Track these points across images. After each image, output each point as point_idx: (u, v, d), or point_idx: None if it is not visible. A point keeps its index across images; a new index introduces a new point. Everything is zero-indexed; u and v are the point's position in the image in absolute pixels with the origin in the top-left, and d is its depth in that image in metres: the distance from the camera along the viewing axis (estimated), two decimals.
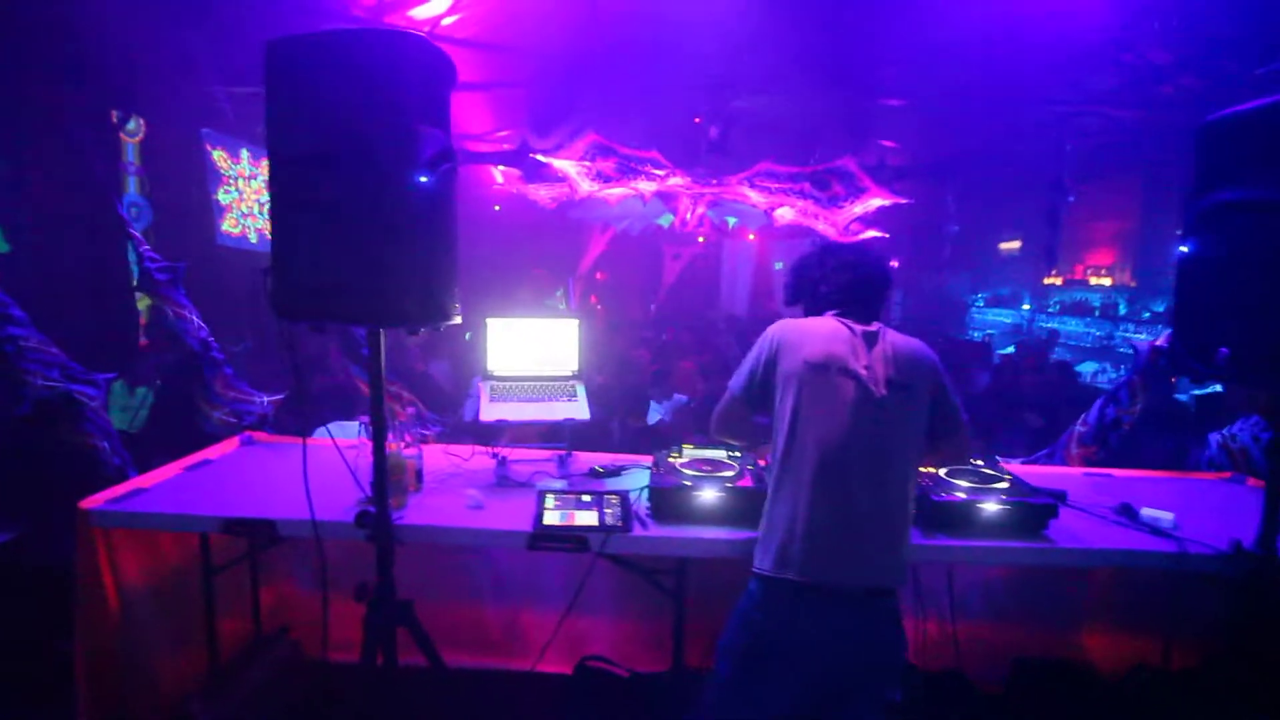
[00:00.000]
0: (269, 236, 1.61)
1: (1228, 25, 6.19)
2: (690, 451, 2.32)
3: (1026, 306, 11.90)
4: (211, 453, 2.51)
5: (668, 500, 2.00)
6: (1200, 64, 7.14)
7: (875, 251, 1.89)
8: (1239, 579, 1.81)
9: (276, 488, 2.19)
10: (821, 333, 1.74)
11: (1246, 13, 5.81)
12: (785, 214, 7.30)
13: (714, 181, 6.76)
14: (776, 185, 6.55)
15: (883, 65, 7.27)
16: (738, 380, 1.84)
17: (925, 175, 7.54)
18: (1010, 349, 8.83)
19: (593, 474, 2.40)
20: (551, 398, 2.39)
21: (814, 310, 1.87)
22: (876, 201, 6.66)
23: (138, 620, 2.11)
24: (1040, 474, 2.48)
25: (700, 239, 11.70)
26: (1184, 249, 1.86)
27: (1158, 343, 2.84)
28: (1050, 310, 11.06)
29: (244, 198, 6.76)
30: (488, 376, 2.45)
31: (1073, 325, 10.31)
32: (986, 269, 12.95)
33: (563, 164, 6.09)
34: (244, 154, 6.76)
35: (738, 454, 2.32)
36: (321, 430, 2.73)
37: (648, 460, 2.57)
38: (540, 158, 6.05)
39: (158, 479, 2.24)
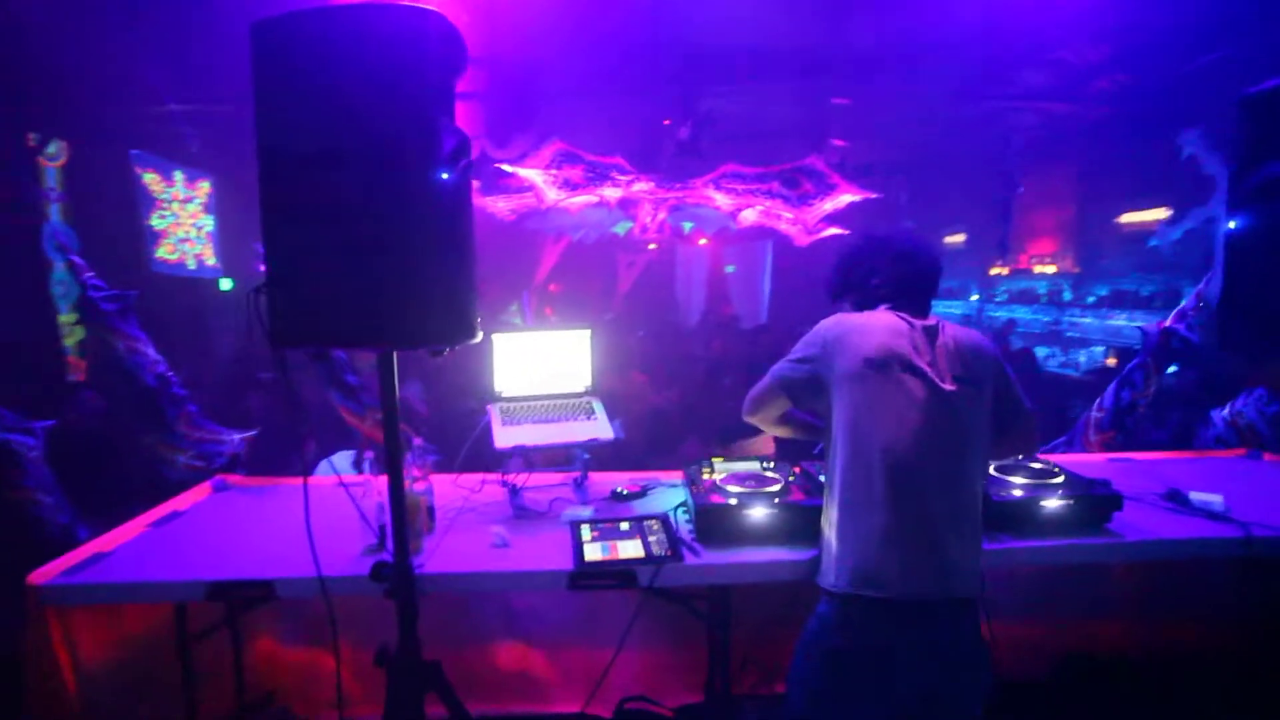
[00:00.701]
0: (209, 263, 1.37)
1: (1157, 22, 6.44)
2: (723, 466, 2.15)
3: (975, 297, 12.23)
4: (180, 502, 2.20)
5: (716, 521, 1.82)
6: (1130, 60, 7.44)
7: (926, 241, 1.76)
8: None
9: (264, 538, 1.92)
10: (879, 327, 1.60)
11: (1172, 11, 6.04)
12: (749, 215, 7.24)
13: (678, 185, 6.63)
14: (744, 186, 6.47)
15: (833, 65, 7.33)
16: (783, 368, 1.69)
17: (882, 172, 7.61)
18: None
19: (615, 497, 2.20)
20: (569, 417, 2.18)
21: (864, 304, 1.73)
22: (847, 198, 6.65)
23: (101, 706, 1.80)
24: (1067, 462, 2.41)
25: (651, 245, 11.59)
26: (1232, 224, 1.80)
27: (1166, 324, 2.83)
28: (998, 299, 11.38)
29: (180, 222, 6.29)
30: (496, 398, 2.22)
31: (1021, 313, 10.63)
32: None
33: (529, 173, 5.87)
34: (178, 176, 6.29)
35: (771, 464, 2.16)
36: (324, 466, 2.46)
37: (669, 477, 2.40)
38: (507, 168, 5.81)
39: (119, 540, 1.94)
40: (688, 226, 10.90)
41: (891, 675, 1.47)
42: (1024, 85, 8.20)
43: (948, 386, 1.53)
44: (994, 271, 11.67)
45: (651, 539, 1.79)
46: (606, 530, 1.82)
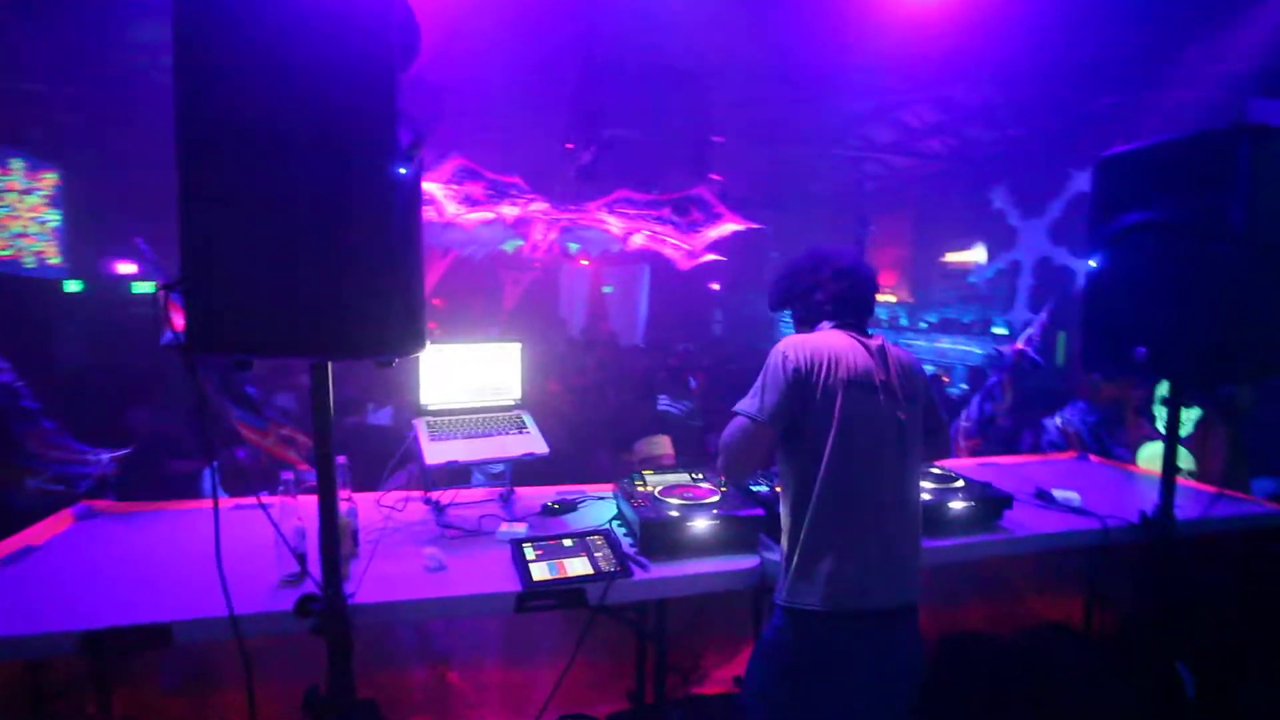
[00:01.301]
0: (52, 262, 1.11)
1: (974, 100, 7.26)
2: (654, 478, 2.06)
3: None
4: (34, 535, 1.78)
5: (660, 535, 1.72)
6: (955, 128, 8.34)
7: (864, 261, 1.76)
8: (1146, 544, 1.94)
9: (146, 574, 1.59)
10: (844, 347, 1.55)
11: (990, 91, 6.81)
12: (637, 239, 7.27)
13: (572, 207, 6.53)
14: (635, 211, 6.49)
15: (711, 105, 7.60)
16: (759, 405, 1.51)
17: (759, 205, 7.96)
18: None
19: (547, 511, 2.05)
20: (500, 431, 2.00)
21: (807, 318, 1.70)
22: (731, 226, 6.86)
23: None
24: (947, 468, 2.56)
25: (535, 264, 11.39)
26: (1092, 264, 1.99)
27: (1019, 346, 3.12)
28: None
29: (17, 214, 5.30)
30: (422, 412, 1.99)
31: None
32: None
33: (429, 187, 5.51)
34: (16, 165, 5.31)
35: (701, 475, 2.11)
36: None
37: (596, 490, 2.28)
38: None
39: None
40: (574, 247, 10.81)
41: (851, 683, 1.44)
42: (871, 140, 8.95)
43: (903, 402, 1.54)
44: None
45: (598, 555, 1.66)
46: (550, 548, 1.67)
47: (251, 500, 1.91)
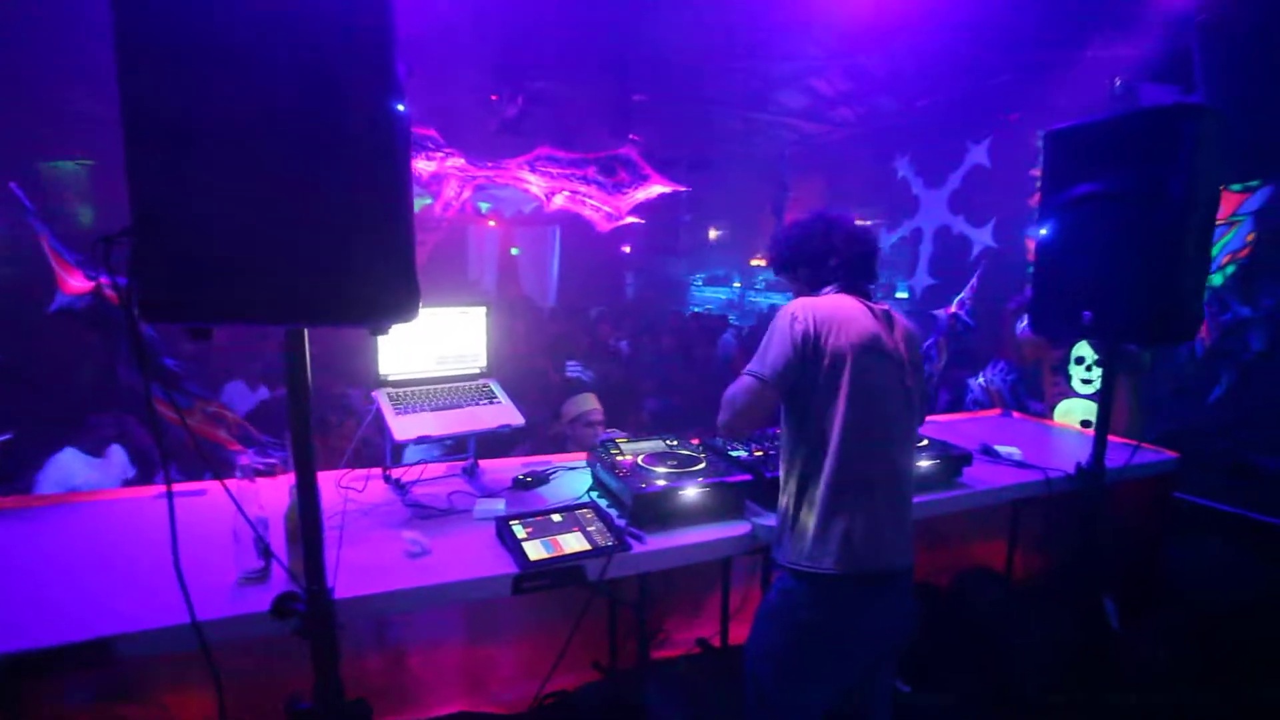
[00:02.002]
0: None
1: (881, 70, 7.52)
2: (630, 446, 2.01)
3: (737, 284, 13.41)
4: None
5: (653, 506, 1.67)
6: (865, 97, 8.62)
7: (866, 227, 1.75)
8: (1080, 493, 2.13)
9: (56, 580, 1.35)
10: (857, 312, 1.53)
11: (904, 56, 7.06)
12: (558, 200, 7.04)
13: (490, 164, 6.18)
14: (559, 170, 6.22)
15: (631, 62, 7.40)
16: (766, 365, 1.49)
17: (684, 168, 7.90)
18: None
19: (519, 484, 1.94)
20: (469, 402, 1.85)
21: (815, 281, 1.66)
22: (658, 188, 6.74)
23: None
24: None
25: (443, 224, 10.83)
26: (1043, 232, 2.10)
27: (952, 310, 3.30)
28: (757, 287, 12.60)
29: None
30: (382, 383, 1.81)
31: (777, 299, 11.88)
32: (702, 252, 14.26)
33: None
34: None
35: (675, 441, 2.08)
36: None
37: (562, 460, 2.20)
38: None
39: None
40: (485, 207, 10.33)
41: (860, 641, 1.47)
42: (785, 105, 9.09)
43: (908, 367, 1.55)
44: (754, 262, 12.89)
45: (591, 529, 1.59)
46: (540, 525, 1.58)
47: (189, 487, 1.69)
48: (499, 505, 1.72)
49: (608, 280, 12.34)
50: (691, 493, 1.70)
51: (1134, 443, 2.20)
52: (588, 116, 6.92)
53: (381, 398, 1.75)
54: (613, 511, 1.75)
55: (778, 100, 8.97)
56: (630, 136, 8.37)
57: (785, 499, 1.54)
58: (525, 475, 1.96)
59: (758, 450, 2.01)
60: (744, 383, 1.52)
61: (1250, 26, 3.07)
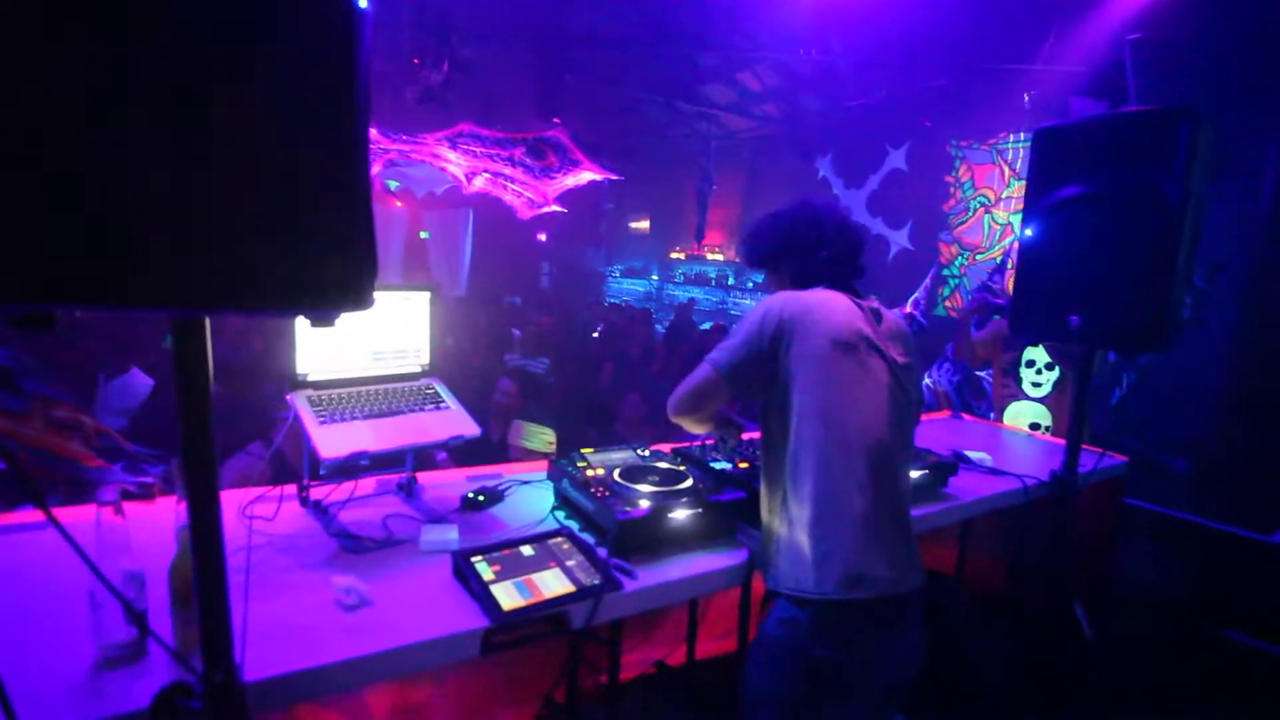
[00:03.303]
0: None
1: (815, 65, 7.58)
2: (598, 457, 1.75)
3: (655, 277, 13.31)
4: None
5: (640, 533, 1.43)
6: (790, 94, 8.69)
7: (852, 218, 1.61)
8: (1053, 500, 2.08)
9: None
10: (839, 307, 1.40)
11: (837, 55, 7.12)
12: (478, 182, 6.57)
13: (405, 138, 5.63)
14: (482, 149, 5.75)
15: (564, 41, 7.04)
16: (724, 357, 1.40)
17: (612, 155, 7.61)
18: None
19: (469, 504, 1.63)
20: (411, 408, 1.52)
21: (805, 275, 1.49)
22: (589, 175, 6.40)
23: None
24: None
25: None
26: (1028, 232, 2.03)
27: (907, 310, 3.25)
28: (676, 280, 12.54)
29: None
30: (300, 384, 1.44)
31: (695, 292, 11.87)
32: (621, 243, 14.06)
33: None
34: None
35: (648, 452, 1.84)
36: None
37: (515, 471, 1.91)
38: None
39: None
40: (394, 185, 9.59)
41: (874, 676, 1.31)
42: (711, 99, 9.03)
43: (901, 369, 1.42)
44: (674, 255, 12.83)
45: (571, 564, 1.32)
46: (509, 561, 1.29)
47: (21, 519, 1.27)
48: (451, 534, 1.42)
49: (523, 269, 11.88)
50: (682, 516, 1.47)
51: (1099, 450, 2.20)
52: (514, 94, 6.49)
53: (300, 403, 1.39)
54: (587, 536, 1.49)
55: (704, 93, 8.89)
56: (554, 120, 8.01)
57: (771, 515, 1.38)
58: (476, 493, 1.65)
59: (742, 462, 1.81)
60: (699, 371, 1.41)
61: (1180, 42, 3.23)
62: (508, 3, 5.52)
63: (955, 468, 1.97)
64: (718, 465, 1.78)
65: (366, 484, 1.69)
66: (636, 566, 1.38)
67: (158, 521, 1.35)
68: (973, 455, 2.27)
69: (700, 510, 1.49)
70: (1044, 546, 2.19)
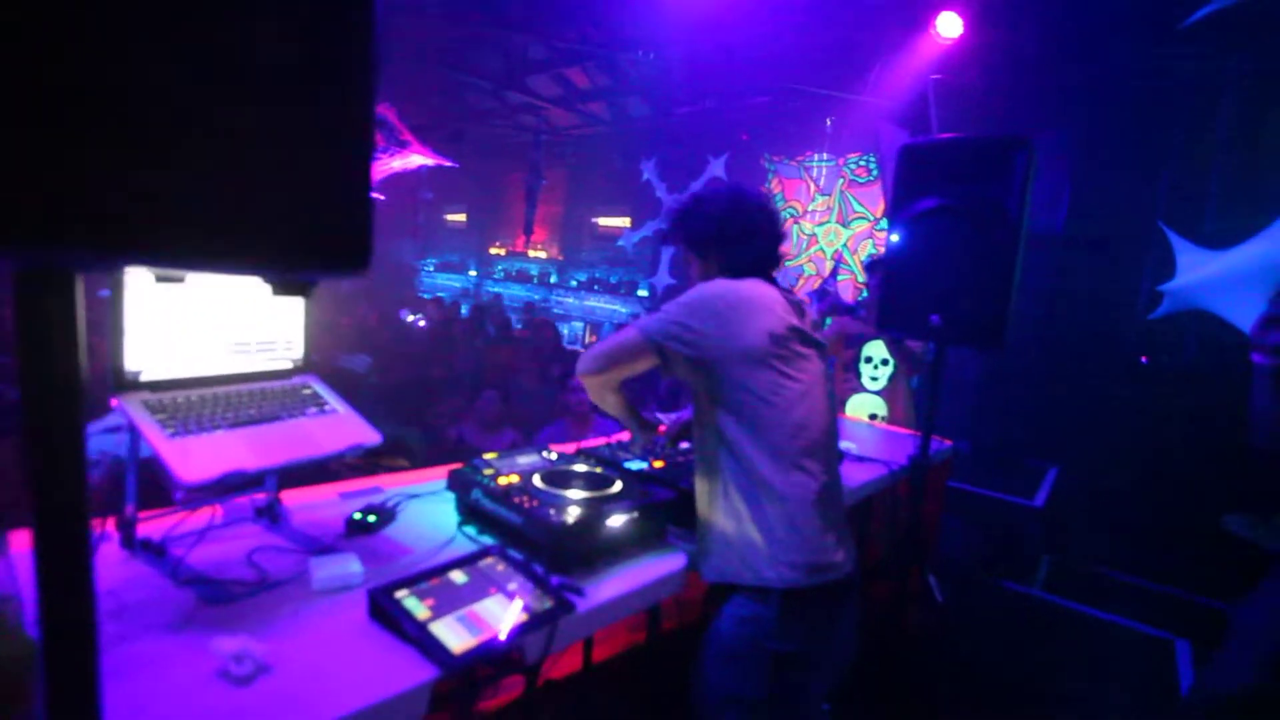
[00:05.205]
0: None
1: (648, 68, 7.75)
2: (504, 462, 1.56)
3: (473, 273, 12.73)
4: None
5: (578, 543, 1.28)
6: (618, 96, 8.81)
7: None
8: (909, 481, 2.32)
9: None
10: (773, 299, 1.39)
11: (672, 62, 7.33)
12: None
13: None
14: None
15: (382, 9, 6.39)
16: (656, 326, 1.34)
17: (444, 139, 7.02)
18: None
19: (357, 527, 1.36)
20: (288, 413, 1.20)
21: (733, 264, 1.46)
22: (418, 159, 5.81)
23: None
24: None
25: None
26: (894, 238, 2.22)
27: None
28: (496, 277, 12.11)
29: None
30: (131, 385, 1.05)
31: (516, 290, 11.56)
32: (438, 235, 13.25)
33: None
34: None
35: (553, 453, 1.69)
36: None
37: (398, 483, 1.65)
38: None
39: None
40: None
41: (831, 657, 1.34)
42: (537, 91, 8.84)
43: (827, 359, 1.47)
44: (493, 250, 12.38)
45: (512, 587, 1.14)
46: (441, 592, 1.07)
47: None
48: (352, 566, 1.15)
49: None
50: (620, 521, 1.36)
51: (948, 442, 2.49)
52: None
53: (134, 410, 1.03)
54: (513, 553, 1.31)
55: (531, 85, 8.67)
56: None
57: (713, 510, 1.36)
58: (364, 512, 1.38)
59: (656, 460, 1.73)
60: (624, 332, 1.37)
61: (974, 84, 3.83)
62: None
63: (842, 456, 2.09)
64: (632, 465, 1.69)
65: (205, 513, 1.32)
66: (591, 584, 1.24)
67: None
68: (843, 444, 2.44)
69: (637, 514, 1.39)
70: (892, 524, 2.43)
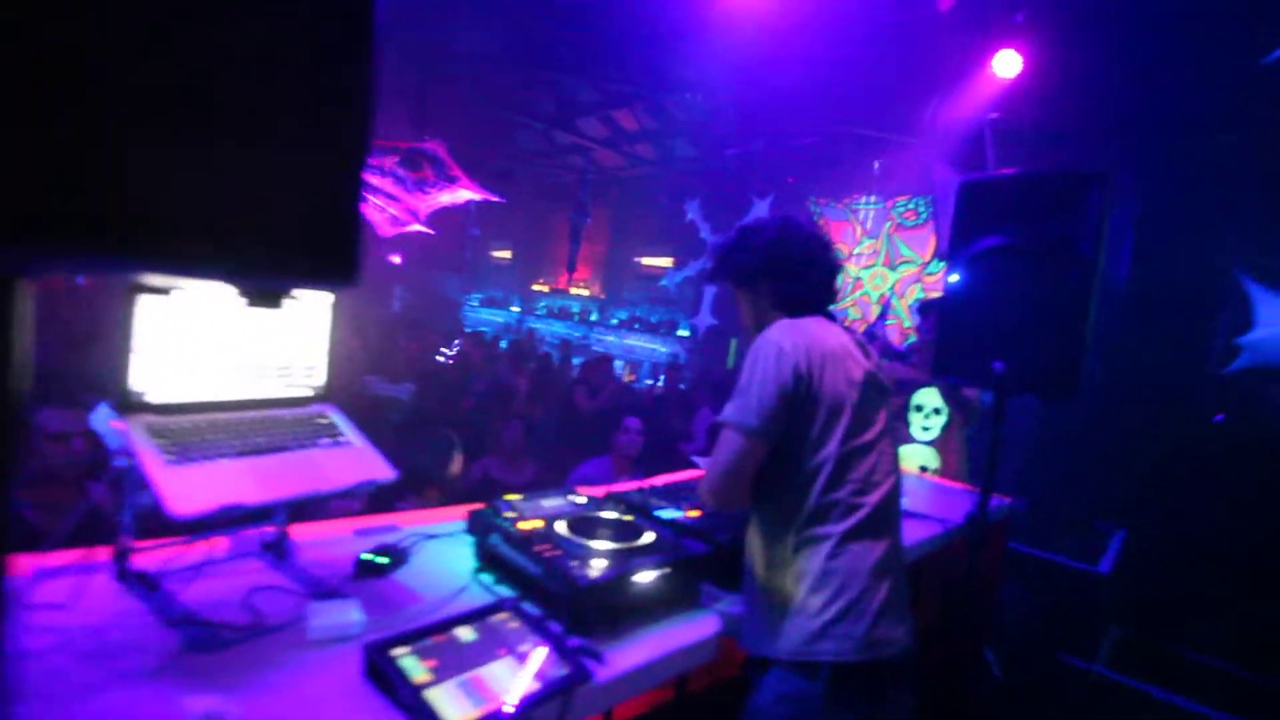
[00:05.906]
0: None
1: (690, 118, 7.83)
2: (528, 504, 1.45)
3: (516, 309, 12.88)
4: None
5: (602, 602, 1.16)
6: (665, 137, 8.91)
7: None
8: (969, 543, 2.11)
9: None
10: (841, 340, 1.28)
11: (722, 104, 7.36)
12: None
13: None
14: None
15: (430, 49, 6.64)
16: (752, 417, 1.17)
17: (493, 174, 7.18)
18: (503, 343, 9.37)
19: (366, 569, 1.26)
20: (299, 444, 1.12)
21: (788, 298, 1.34)
22: (466, 194, 5.92)
23: None
24: None
25: None
26: (953, 278, 2.07)
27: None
28: (539, 313, 12.21)
29: None
30: (136, 406, 0.99)
31: (557, 326, 11.61)
32: (483, 271, 13.50)
33: None
34: None
35: (583, 498, 1.57)
36: None
37: (411, 522, 1.55)
38: None
39: None
40: None
41: None
42: (584, 133, 9.00)
43: (892, 404, 1.34)
44: (536, 287, 12.52)
45: (524, 649, 1.02)
46: (444, 652, 0.96)
47: None
48: (351, 614, 1.05)
49: (371, 292, 10.93)
50: (650, 577, 1.23)
51: (1007, 498, 2.28)
52: (387, 102, 5.95)
53: (136, 434, 0.96)
54: (529, 606, 1.19)
55: (579, 126, 8.84)
56: (424, 135, 7.52)
57: (772, 571, 1.20)
58: (375, 552, 1.28)
59: (690, 509, 1.60)
60: (729, 440, 1.18)
61: (1033, 123, 3.70)
62: (384, 10, 5.07)
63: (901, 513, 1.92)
64: (665, 514, 1.56)
65: (209, 545, 1.25)
66: (613, 649, 1.11)
67: None
68: None
69: (669, 570, 1.25)
70: (946, 588, 2.21)
